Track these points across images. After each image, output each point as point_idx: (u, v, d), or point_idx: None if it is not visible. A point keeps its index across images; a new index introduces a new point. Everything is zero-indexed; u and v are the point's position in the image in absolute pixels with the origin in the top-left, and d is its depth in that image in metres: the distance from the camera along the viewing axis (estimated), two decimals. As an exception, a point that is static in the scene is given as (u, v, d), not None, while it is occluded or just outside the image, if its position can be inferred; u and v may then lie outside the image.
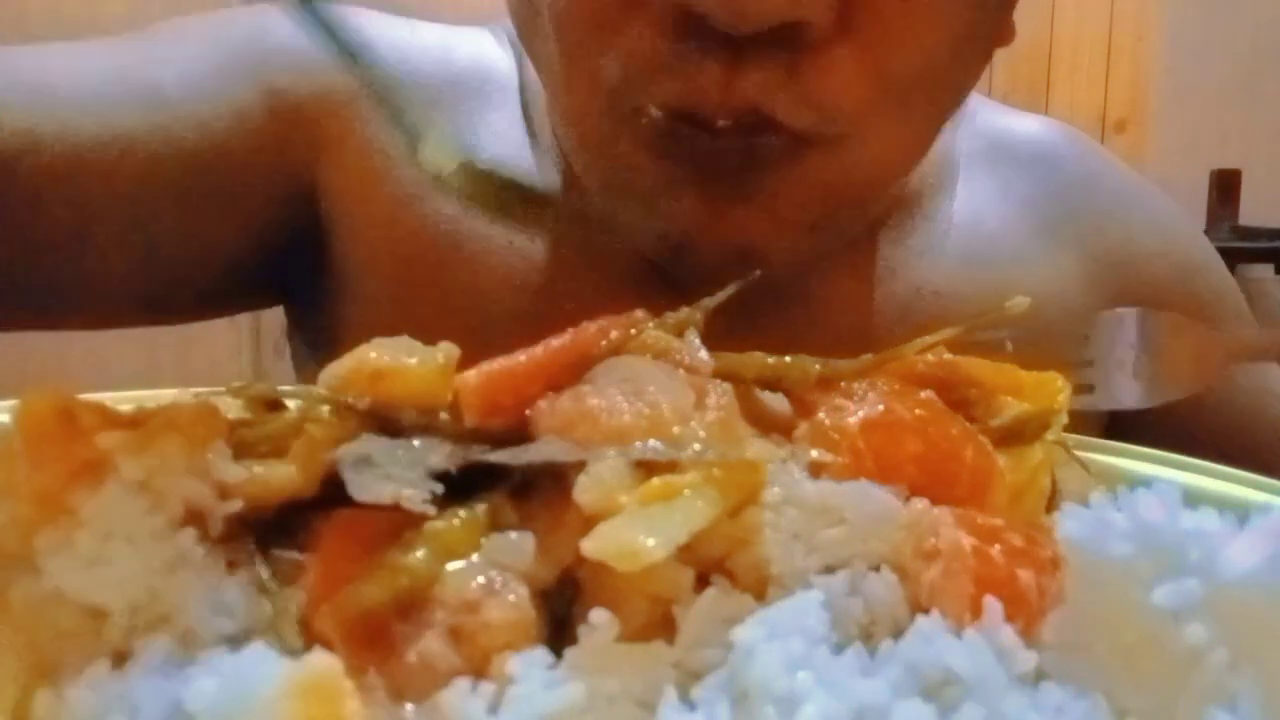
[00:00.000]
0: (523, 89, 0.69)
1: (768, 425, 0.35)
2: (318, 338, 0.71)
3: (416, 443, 0.32)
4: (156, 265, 0.63)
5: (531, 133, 0.67)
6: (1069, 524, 0.29)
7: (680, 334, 0.38)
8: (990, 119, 0.74)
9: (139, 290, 0.64)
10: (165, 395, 0.35)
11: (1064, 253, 0.70)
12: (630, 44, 0.49)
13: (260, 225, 0.65)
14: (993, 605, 0.29)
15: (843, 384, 0.36)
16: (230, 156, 0.62)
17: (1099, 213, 0.73)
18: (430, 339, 0.35)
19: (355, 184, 0.66)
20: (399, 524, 0.30)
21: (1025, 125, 0.75)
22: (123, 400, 0.35)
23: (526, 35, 0.58)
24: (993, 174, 0.71)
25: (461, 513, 0.31)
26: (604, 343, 0.35)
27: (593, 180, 0.59)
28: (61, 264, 0.60)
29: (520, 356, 0.34)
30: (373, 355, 0.34)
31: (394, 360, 0.34)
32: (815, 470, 0.33)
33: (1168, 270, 0.73)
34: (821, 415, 0.34)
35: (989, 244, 0.68)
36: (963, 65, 0.55)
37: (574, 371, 0.34)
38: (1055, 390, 0.38)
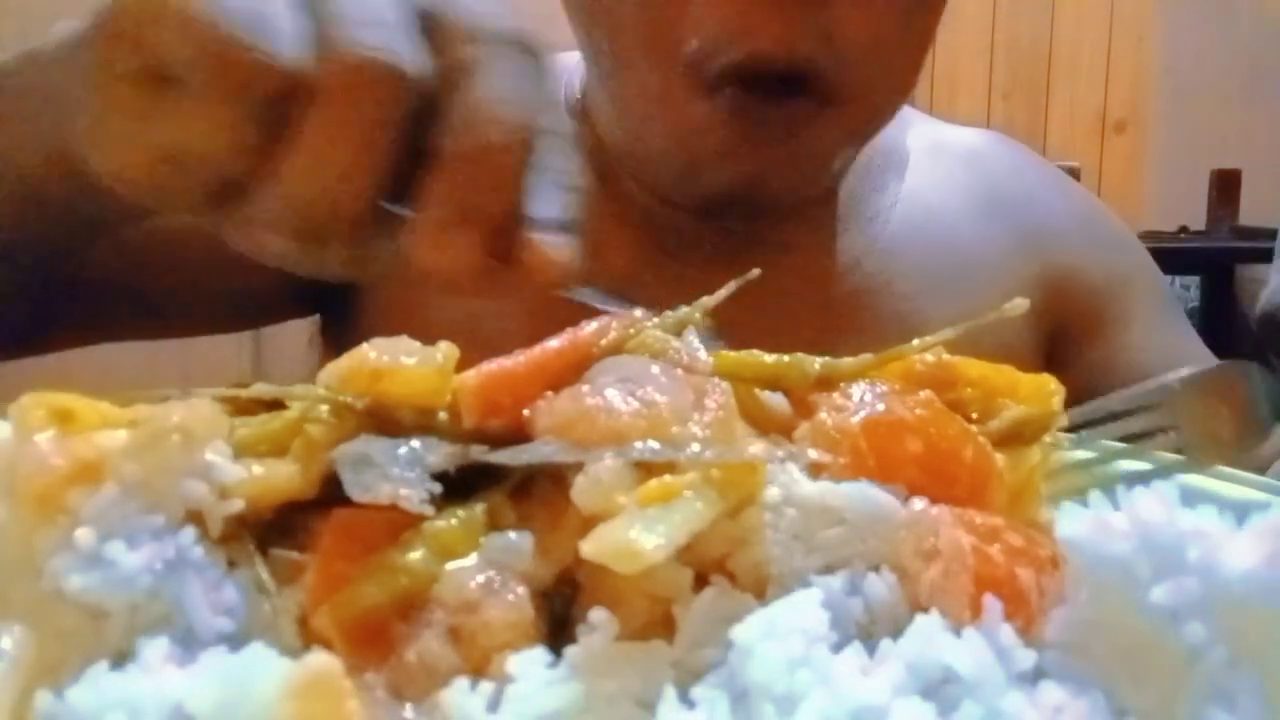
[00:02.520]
0: None
1: (768, 425, 0.35)
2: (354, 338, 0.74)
3: (415, 443, 0.32)
4: (210, 294, 0.75)
5: None
6: (1069, 524, 0.29)
7: (679, 334, 0.38)
8: (933, 127, 0.89)
9: (191, 312, 0.77)
10: (165, 395, 0.35)
11: (993, 226, 0.83)
12: (702, 11, 0.63)
13: None
14: (992, 604, 0.29)
15: (842, 384, 0.36)
16: None
17: (1026, 195, 0.86)
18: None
19: None
20: (398, 524, 0.30)
21: (963, 131, 0.91)
22: (123, 400, 0.35)
23: (587, 23, 0.68)
24: (935, 164, 0.85)
25: (460, 513, 0.31)
26: (602, 342, 0.35)
27: (650, 147, 0.72)
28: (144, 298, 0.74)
29: (519, 357, 0.34)
30: (372, 355, 0.34)
31: (393, 360, 0.33)
32: (815, 470, 0.33)
33: (1087, 246, 0.85)
34: (822, 415, 0.34)
35: (928, 215, 0.82)
36: (925, 32, 0.71)
37: (572, 371, 0.34)
38: (1051, 392, 0.38)
